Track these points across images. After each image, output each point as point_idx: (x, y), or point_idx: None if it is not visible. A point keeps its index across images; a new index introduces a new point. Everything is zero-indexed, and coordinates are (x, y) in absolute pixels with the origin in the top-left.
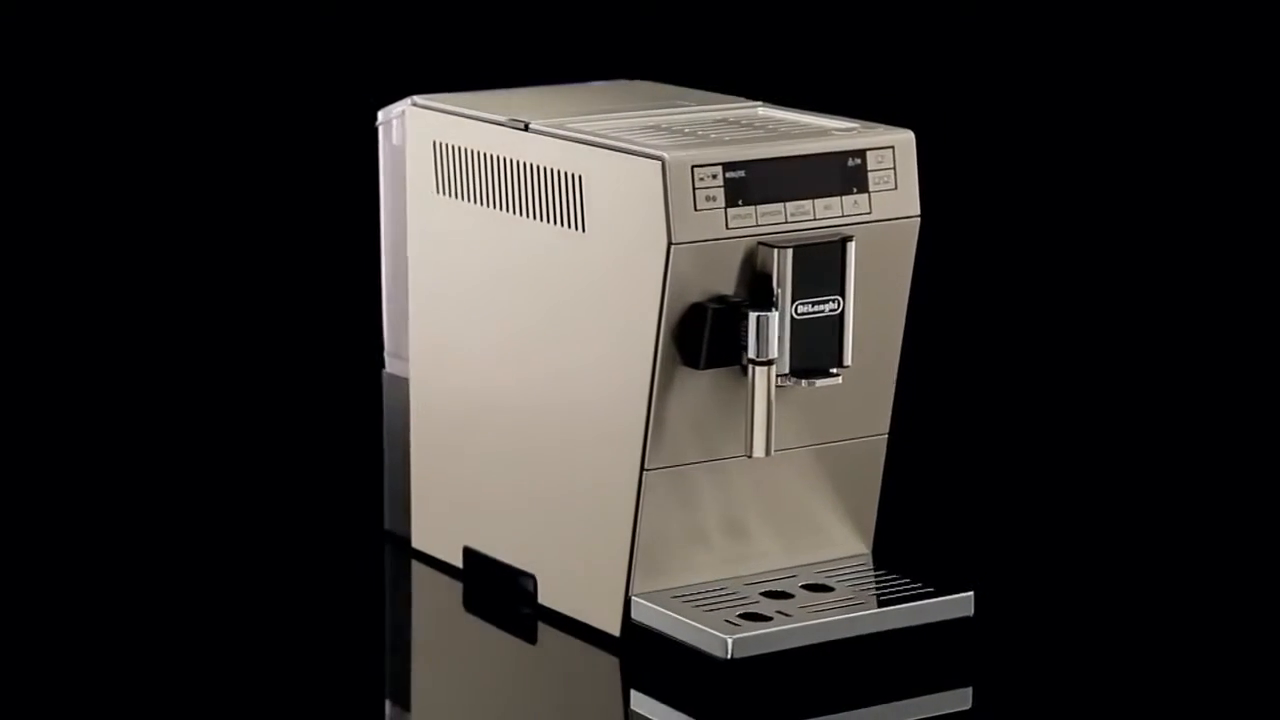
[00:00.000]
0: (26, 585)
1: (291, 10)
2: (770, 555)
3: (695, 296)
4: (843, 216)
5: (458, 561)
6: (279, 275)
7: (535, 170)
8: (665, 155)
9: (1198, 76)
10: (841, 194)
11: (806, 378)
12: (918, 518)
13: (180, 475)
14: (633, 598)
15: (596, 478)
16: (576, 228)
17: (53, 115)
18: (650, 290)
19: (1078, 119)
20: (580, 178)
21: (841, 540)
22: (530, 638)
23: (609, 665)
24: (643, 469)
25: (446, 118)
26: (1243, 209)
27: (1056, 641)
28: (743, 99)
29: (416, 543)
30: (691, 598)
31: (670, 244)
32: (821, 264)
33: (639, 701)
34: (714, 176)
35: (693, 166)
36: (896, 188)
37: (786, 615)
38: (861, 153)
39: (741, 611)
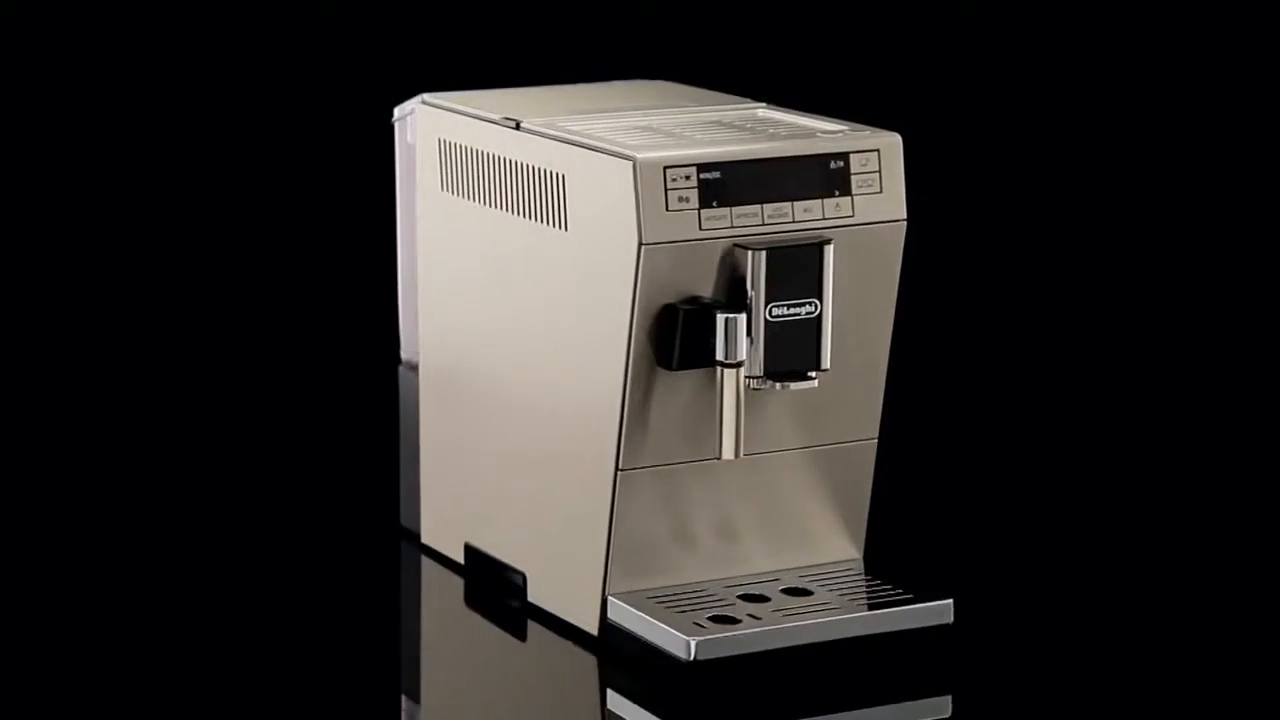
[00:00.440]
0: (45, 577)
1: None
2: (759, 558)
3: (669, 297)
4: (823, 219)
5: (460, 558)
6: (300, 271)
7: (523, 169)
8: (636, 156)
9: (1189, 80)
10: (822, 197)
11: (781, 380)
12: (913, 523)
13: (202, 470)
14: (609, 597)
15: (577, 477)
16: (560, 227)
17: (71, 115)
18: (624, 290)
19: (1094, 127)
20: (563, 177)
21: (832, 544)
22: (521, 634)
23: (589, 665)
24: (617, 469)
25: (450, 116)
26: (1231, 209)
27: (1040, 650)
28: (748, 100)
29: (425, 538)
30: (668, 599)
31: (641, 244)
32: (797, 267)
33: (615, 701)
34: (687, 177)
35: (665, 167)
36: (882, 191)
37: (756, 619)
38: (845, 155)
39: (713, 614)
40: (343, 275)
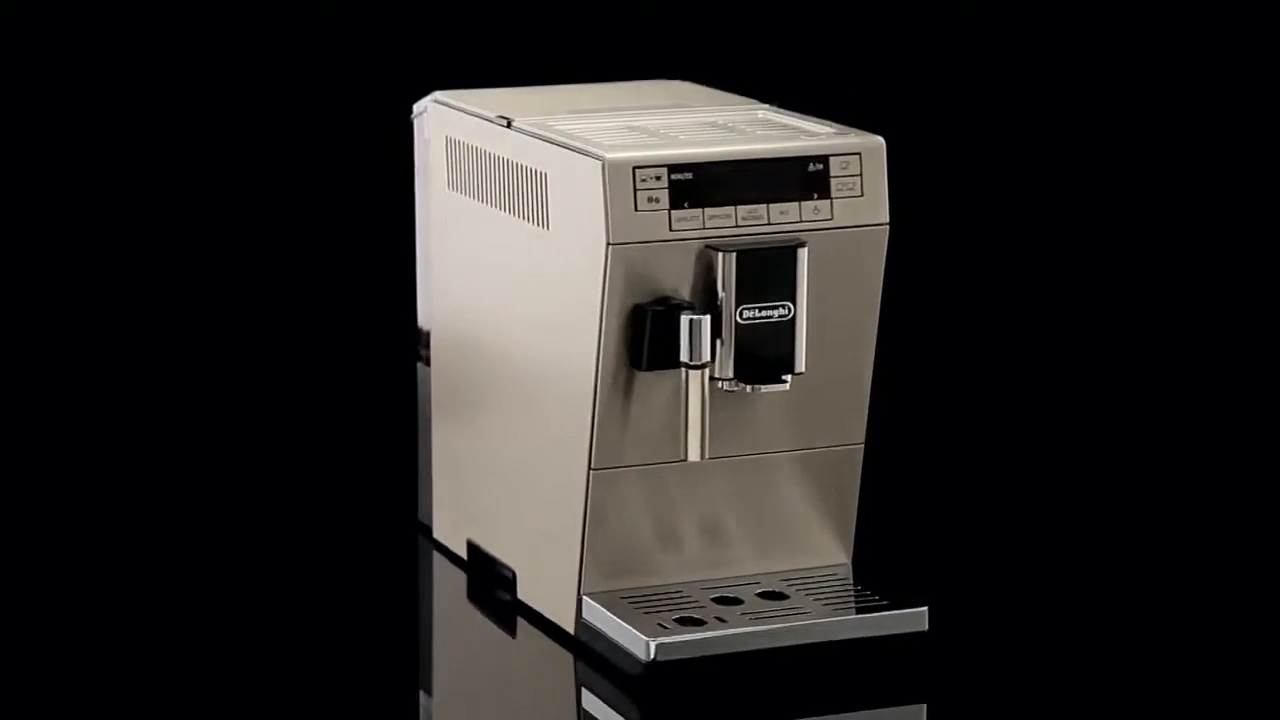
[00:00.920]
0: (64, 571)
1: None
2: (747, 562)
3: (641, 298)
4: (800, 222)
5: (464, 553)
6: (328, 268)
7: (513, 167)
8: (605, 155)
9: (1178, 83)
10: (800, 199)
11: (753, 383)
12: (908, 528)
13: (230, 466)
14: (584, 597)
15: (557, 476)
16: (543, 225)
17: (92, 112)
18: (595, 290)
19: (1095, 132)
20: (545, 176)
21: (820, 549)
22: (512, 631)
23: (567, 663)
24: (590, 468)
25: (455, 113)
26: (1218, 213)
27: (1021, 659)
28: (754, 101)
29: (436, 534)
30: (642, 600)
31: (609, 244)
32: (770, 269)
33: (589, 701)
34: (658, 178)
35: (634, 168)
36: (863, 194)
37: (722, 621)
38: (824, 158)
39: (681, 616)
40: (372, 271)
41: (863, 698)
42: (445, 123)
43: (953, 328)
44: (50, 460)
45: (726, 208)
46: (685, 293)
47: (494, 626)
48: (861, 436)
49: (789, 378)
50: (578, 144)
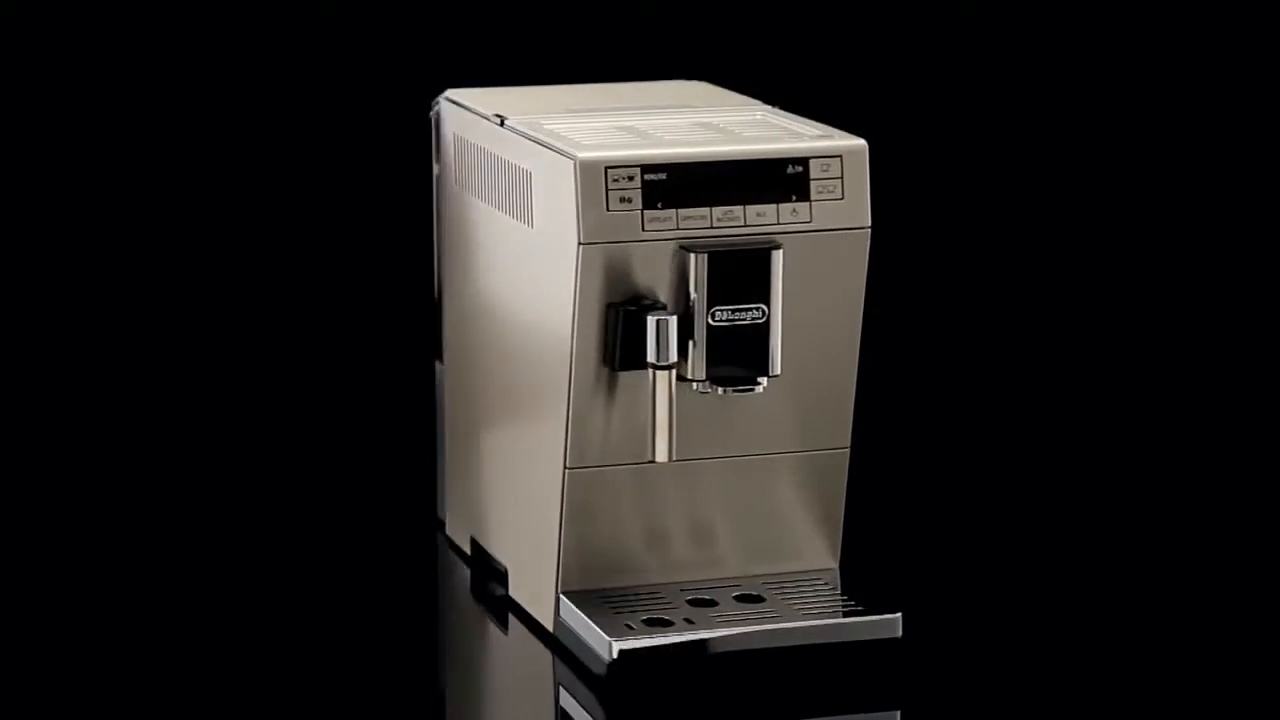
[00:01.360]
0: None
1: None
2: (734, 565)
3: (615, 298)
4: (778, 224)
5: (469, 549)
6: (350, 265)
7: (504, 165)
8: (577, 155)
9: (1167, 87)
10: (777, 201)
11: (725, 386)
12: (899, 532)
13: (256, 462)
14: (560, 595)
15: (540, 475)
16: (529, 224)
17: (107, 110)
18: (569, 289)
19: (1096, 133)
20: (530, 175)
21: (808, 553)
22: (504, 627)
23: (546, 661)
24: (565, 468)
25: (461, 111)
26: (1202, 216)
27: (999, 667)
28: (759, 103)
29: (449, 530)
30: (618, 600)
31: (580, 244)
32: (743, 271)
33: (566, 700)
34: (630, 178)
35: (606, 167)
36: (844, 197)
37: (690, 623)
38: (804, 160)
39: (650, 616)
40: (402, 267)
41: (831, 704)
42: (453, 121)
43: (944, 332)
44: (58, 460)
45: (701, 209)
46: (661, 293)
47: (487, 622)
48: (847, 441)
49: (765, 381)
50: (557, 143)
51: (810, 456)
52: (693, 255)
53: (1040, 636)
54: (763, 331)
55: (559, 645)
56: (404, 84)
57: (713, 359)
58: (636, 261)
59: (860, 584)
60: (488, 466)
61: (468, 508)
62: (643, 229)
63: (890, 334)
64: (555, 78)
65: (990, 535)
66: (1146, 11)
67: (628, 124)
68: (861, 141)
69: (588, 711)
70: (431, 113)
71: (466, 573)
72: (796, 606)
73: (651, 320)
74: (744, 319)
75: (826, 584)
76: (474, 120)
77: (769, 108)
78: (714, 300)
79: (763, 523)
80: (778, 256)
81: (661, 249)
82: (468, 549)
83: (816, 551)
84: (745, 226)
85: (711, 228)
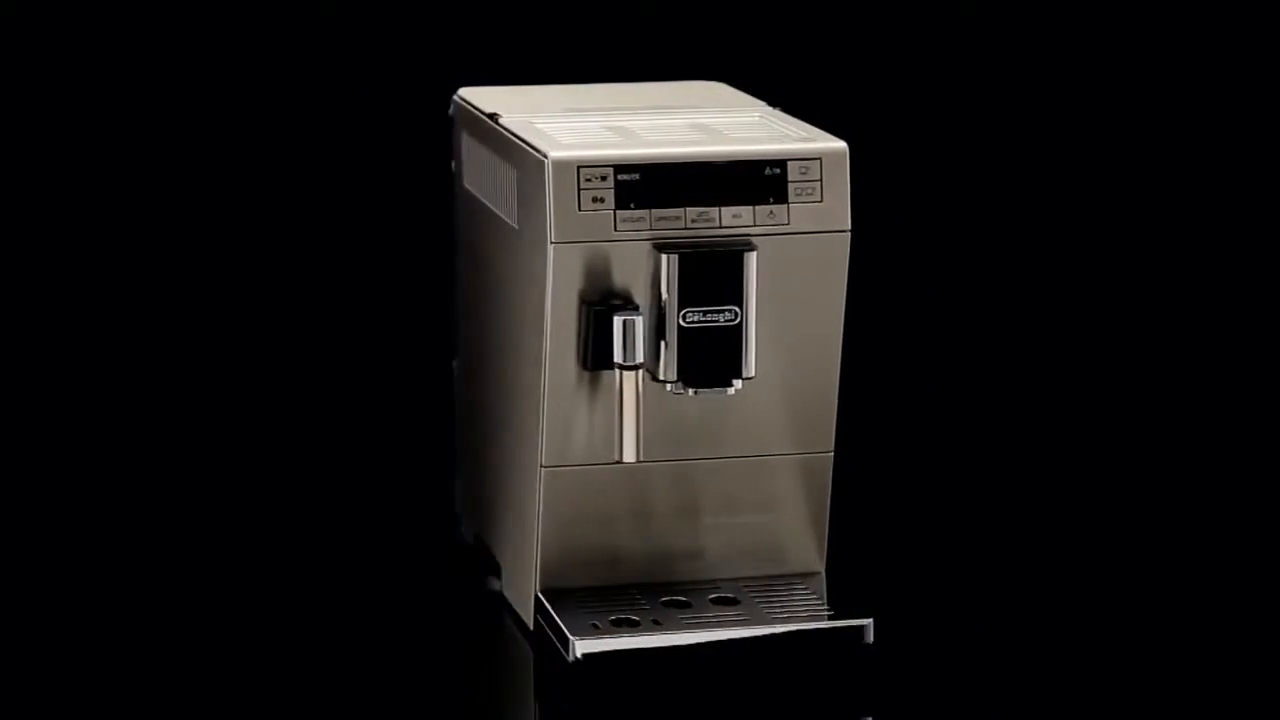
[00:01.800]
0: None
1: None
2: (715, 565)
3: (590, 297)
4: (754, 226)
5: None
6: (377, 263)
7: (495, 164)
8: (549, 154)
9: (1156, 89)
10: (754, 203)
11: (696, 387)
12: (892, 537)
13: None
14: (538, 593)
15: (523, 474)
16: (514, 222)
17: (118, 112)
18: (542, 288)
19: (1098, 135)
20: (514, 174)
21: (793, 556)
22: (498, 623)
23: (528, 658)
24: (541, 466)
25: (468, 109)
26: (1190, 220)
27: (971, 675)
28: (764, 104)
29: (462, 526)
30: (593, 599)
31: (550, 243)
32: (715, 272)
33: (530, 697)
34: (603, 178)
35: (579, 167)
36: (822, 200)
37: (656, 624)
38: (781, 162)
39: (619, 617)
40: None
41: (795, 710)
42: (463, 119)
43: (932, 336)
44: (77, 462)
45: (675, 209)
46: (636, 294)
47: (481, 617)
48: (831, 445)
49: (738, 383)
50: (537, 142)
51: (795, 460)
52: (664, 256)
53: (1022, 644)
54: (736, 334)
55: (539, 643)
56: (442, 79)
57: (684, 360)
58: (610, 262)
59: (842, 589)
60: (486, 464)
61: (473, 504)
62: (615, 229)
63: (879, 337)
64: (590, 77)
65: (978, 539)
66: (1146, 12)
67: (620, 124)
68: (842, 144)
69: (549, 709)
70: (451, 110)
71: (472, 569)
72: (769, 610)
73: (618, 320)
74: (717, 320)
75: (807, 588)
76: (475, 118)
77: (772, 109)
78: (685, 301)
79: (747, 525)
80: (751, 258)
81: (636, 249)
82: (474, 544)
83: (803, 555)
84: (720, 228)
85: (686, 228)
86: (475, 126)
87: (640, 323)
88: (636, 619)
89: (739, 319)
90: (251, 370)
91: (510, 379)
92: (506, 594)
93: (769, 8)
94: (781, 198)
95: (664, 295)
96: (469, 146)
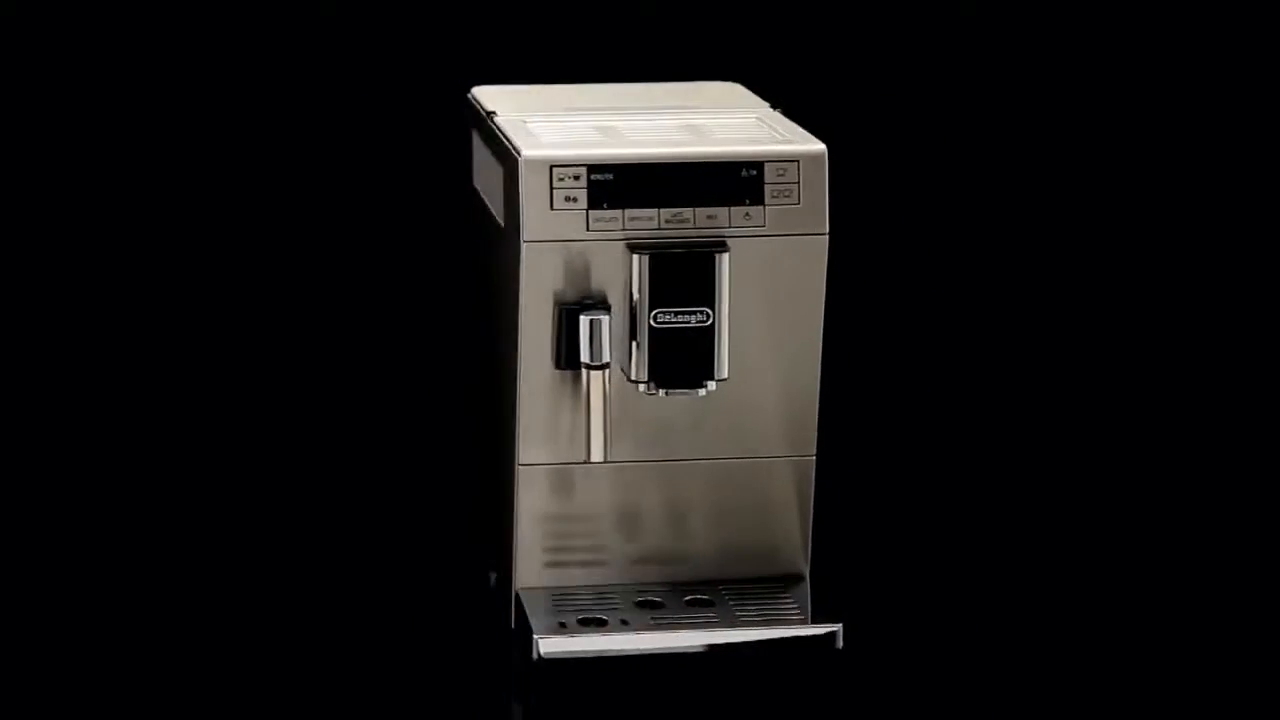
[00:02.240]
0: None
1: None
2: (696, 567)
3: (565, 297)
4: (729, 228)
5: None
6: (394, 265)
7: (489, 163)
8: (523, 153)
9: (1147, 90)
10: (729, 204)
11: (666, 388)
12: (885, 540)
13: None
14: (518, 592)
15: (505, 472)
16: (501, 220)
17: (136, 115)
18: (518, 286)
19: (1103, 137)
20: (501, 172)
21: (777, 559)
22: (494, 619)
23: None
24: (517, 464)
25: (474, 108)
26: (1181, 224)
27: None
28: (766, 105)
29: (475, 524)
30: (569, 599)
31: (522, 241)
32: (686, 273)
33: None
34: (576, 177)
35: (551, 166)
36: (800, 202)
37: (624, 624)
38: (758, 164)
39: (588, 616)
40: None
41: (759, 714)
42: (472, 118)
43: (919, 339)
44: (87, 468)
45: (649, 209)
46: (610, 294)
47: (480, 614)
48: (813, 449)
49: (711, 384)
50: (517, 141)
51: (777, 463)
52: (634, 256)
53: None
54: (707, 335)
55: (519, 642)
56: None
57: (655, 361)
58: (583, 261)
59: (823, 593)
60: (485, 463)
61: (481, 501)
62: (588, 228)
63: (864, 341)
64: (616, 76)
65: (962, 542)
66: (1144, 15)
67: (610, 124)
68: (820, 146)
69: (517, 706)
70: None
71: (476, 566)
72: (742, 614)
73: (584, 320)
74: (688, 322)
75: (785, 592)
76: (480, 117)
77: (773, 111)
78: (656, 302)
79: (730, 527)
80: (723, 259)
81: (609, 249)
82: (483, 542)
83: (786, 558)
84: (695, 229)
85: (659, 229)
86: (480, 125)
87: (607, 322)
88: (605, 618)
89: (711, 320)
90: (265, 369)
91: (499, 377)
92: (500, 592)
93: (805, 11)
94: (758, 199)
95: (634, 295)
96: (475, 145)
